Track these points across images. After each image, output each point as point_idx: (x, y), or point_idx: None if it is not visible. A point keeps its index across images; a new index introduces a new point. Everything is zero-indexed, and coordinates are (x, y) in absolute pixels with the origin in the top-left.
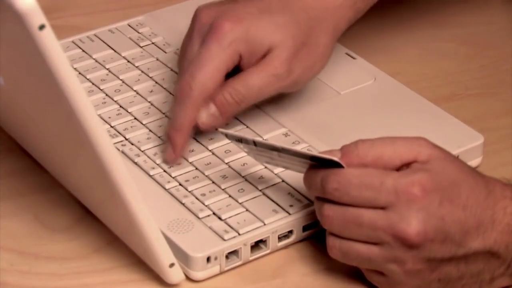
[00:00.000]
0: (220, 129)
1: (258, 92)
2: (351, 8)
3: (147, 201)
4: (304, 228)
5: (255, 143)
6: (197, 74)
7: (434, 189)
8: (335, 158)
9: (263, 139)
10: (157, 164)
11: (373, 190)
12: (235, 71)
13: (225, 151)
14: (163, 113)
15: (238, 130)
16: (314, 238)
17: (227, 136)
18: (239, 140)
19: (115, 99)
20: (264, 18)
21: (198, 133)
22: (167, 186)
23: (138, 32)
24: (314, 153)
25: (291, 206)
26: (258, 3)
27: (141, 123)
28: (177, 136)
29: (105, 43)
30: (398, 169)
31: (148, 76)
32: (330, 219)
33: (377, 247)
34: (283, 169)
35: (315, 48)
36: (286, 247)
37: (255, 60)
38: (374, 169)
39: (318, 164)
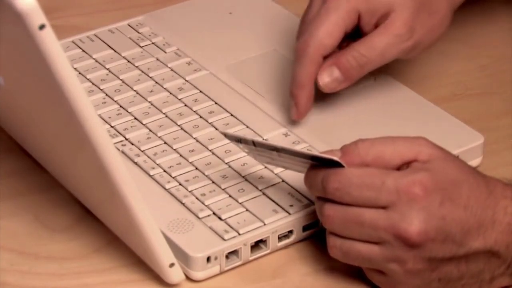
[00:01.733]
0: (220, 130)
1: (381, 55)
2: None
3: (147, 201)
4: (304, 228)
5: (254, 144)
6: (314, 31)
7: (435, 189)
8: (336, 158)
9: (263, 139)
10: (157, 164)
11: (374, 190)
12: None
13: (225, 151)
14: (163, 113)
15: (238, 130)
16: (314, 238)
17: (226, 136)
18: (239, 140)
19: (115, 99)
20: None
21: (198, 132)
22: (167, 186)
23: (138, 32)
24: (315, 153)
25: (291, 206)
26: None
27: (141, 123)
28: (300, 93)
29: (105, 43)
30: (399, 168)
31: (148, 76)
32: (331, 218)
33: (378, 246)
34: (283, 169)
35: (435, 12)
36: (286, 247)
37: (375, 20)
38: (375, 169)
39: (318, 164)
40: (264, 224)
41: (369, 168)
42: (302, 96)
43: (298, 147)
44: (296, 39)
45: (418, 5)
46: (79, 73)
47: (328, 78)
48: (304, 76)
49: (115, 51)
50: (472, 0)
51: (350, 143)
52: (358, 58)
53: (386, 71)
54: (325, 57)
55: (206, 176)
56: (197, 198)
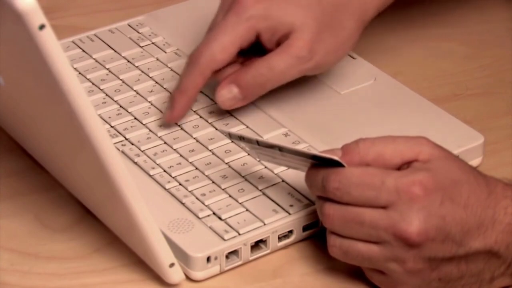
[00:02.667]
0: (222, 129)
1: (281, 75)
2: None
3: (147, 201)
4: (304, 228)
5: (258, 143)
6: (209, 43)
7: (435, 189)
8: (336, 157)
9: (262, 138)
10: (157, 164)
11: (374, 190)
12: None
13: (225, 151)
14: (163, 113)
15: (238, 130)
16: (314, 238)
17: (229, 134)
18: (241, 138)
19: (115, 99)
20: None
21: (198, 132)
22: (167, 186)
23: (138, 32)
24: (315, 152)
25: (291, 206)
26: None
27: (141, 123)
28: (179, 97)
29: (105, 43)
30: (399, 168)
31: (148, 76)
32: (331, 218)
33: (378, 246)
34: (283, 169)
35: (339, 31)
36: (286, 247)
37: (276, 39)
38: (375, 168)
39: (319, 163)
40: (264, 224)
41: (369, 167)
42: (182, 100)
43: (298, 147)
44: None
45: (321, 26)
46: (79, 73)
47: (227, 95)
48: (188, 84)
49: (115, 51)
50: (472, 0)
51: (351, 142)
52: (257, 78)
53: (386, 71)
54: (216, 71)
55: (206, 176)
56: (197, 198)
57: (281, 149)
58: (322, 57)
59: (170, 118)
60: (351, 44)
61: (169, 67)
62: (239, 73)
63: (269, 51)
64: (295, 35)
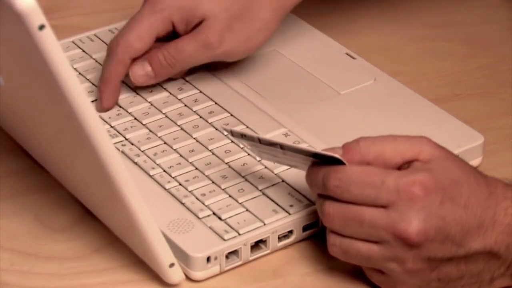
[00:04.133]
0: (225, 127)
1: (188, 58)
2: None
3: (147, 201)
4: (304, 228)
5: (259, 140)
6: (126, 34)
7: (435, 189)
8: (337, 155)
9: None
10: (157, 164)
11: (374, 189)
12: None
13: (225, 151)
14: (163, 113)
15: (239, 130)
16: (314, 238)
17: (232, 133)
18: (243, 136)
19: None
20: None
21: (198, 132)
22: (167, 186)
23: None
24: (316, 150)
25: (291, 206)
26: None
27: (141, 123)
28: (105, 88)
29: (105, 43)
30: (400, 167)
31: None
32: (331, 216)
33: (377, 245)
34: (283, 169)
35: (252, 22)
36: (286, 247)
37: (190, 30)
38: (376, 168)
39: (320, 161)
40: (264, 224)
41: (370, 166)
42: (107, 90)
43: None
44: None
45: (232, 16)
46: (79, 73)
47: (140, 72)
48: (110, 73)
49: None
50: (473, 0)
51: (352, 141)
52: (167, 58)
53: (386, 71)
54: (135, 59)
55: (206, 176)
56: (197, 198)
57: (282, 147)
58: (231, 46)
59: (100, 109)
60: (267, 34)
61: None
62: (152, 52)
63: None
64: (206, 23)
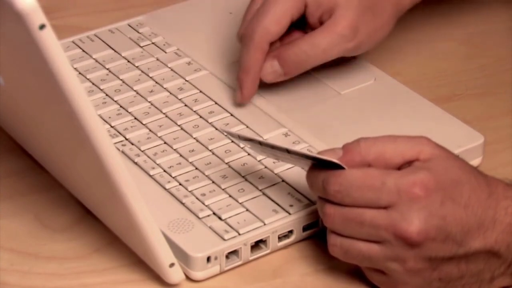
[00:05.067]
0: (224, 129)
1: (322, 53)
2: None
3: (147, 201)
4: (304, 228)
5: (260, 143)
6: (261, 18)
7: (436, 189)
8: (336, 160)
9: (263, 138)
10: (157, 164)
11: (374, 191)
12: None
13: (225, 151)
14: (163, 113)
15: (238, 130)
16: (314, 238)
17: (231, 135)
18: (239, 137)
19: (115, 99)
20: None
21: (198, 132)
22: (167, 186)
23: (138, 32)
24: (315, 154)
25: (291, 206)
26: None
27: (141, 123)
28: (245, 78)
29: (105, 43)
30: (400, 167)
31: (148, 76)
32: (332, 217)
33: (378, 245)
34: (283, 169)
35: (379, 14)
36: (286, 247)
37: (319, 13)
38: (376, 169)
39: (320, 164)
40: (264, 224)
41: (369, 168)
42: (247, 80)
43: (298, 147)
44: (242, 23)
45: (363, 6)
46: (79, 73)
47: (269, 69)
48: (250, 61)
49: (115, 51)
50: (472, 0)
51: (352, 142)
52: (299, 55)
53: (386, 71)
54: (271, 44)
55: (206, 176)
56: (197, 198)
57: (282, 150)
58: (364, 37)
59: (241, 99)
60: (387, 30)
61: (169, 67)
62: (282, 48)
63: (310, 26)
64: (339, 13)
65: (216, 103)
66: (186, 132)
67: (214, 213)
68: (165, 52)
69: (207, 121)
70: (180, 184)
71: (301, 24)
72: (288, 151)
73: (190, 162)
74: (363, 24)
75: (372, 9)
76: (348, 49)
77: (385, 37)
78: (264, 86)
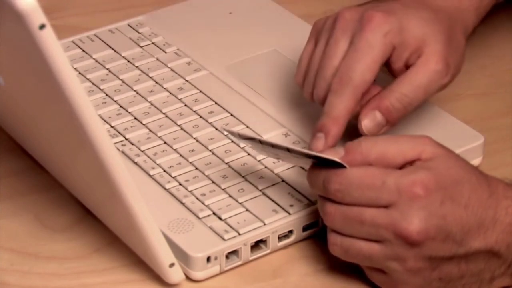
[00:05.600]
0: (224, 128)
1: (425, 93)
2: (475, 12)
3: (147, 201)
4: (304, 228)
5: (260, 142)
6: (355, 65)
7: (436, 188)
8: (337, 159)
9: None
10: (157, 164)
11: (375, 190)
12: None
13: (225, 151)
14: (163, 113)
15: (238, 130)
16: (314, 238)
17: (231, 133)
18: (240, 136)
19: (115, 99)
20: (411, 12)
21: (198, 132)
22: (167, 186)
23: (138, 32)
24: (316, 153)
25: (291, 206)
26: (398, 2)
27: (141, 123)
28: (333, 126)
29: (105, 43)
30: (402, 167)
31: (148, 76)
32: (332, 216)
33: (378, 244)
34: (283, 169)
35: (458, 44)
36: (286, 247)
37: (407, 55)
38: (376, 169)
39: (320, 163)
40: (264, 224)
41: (370, 168)
42: (336, 128)
43: (298, 147)
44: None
45: (447, 38)
46: (79, 73)
47: (371, 123)
48: (342, 109)
49: (115, 51)
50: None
51: (354, 141)
52: (401, 100)
53: (386, 71)
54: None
55: (206, 176)
56: (197, 198)
57: (282, 148)
58: (455, 70)
59: (322, 148)
60: (464, 56)
61: (169, 67)
62: (380, 97)
63: (392, 70)
64: (429, 50)
65: (216, 103)
66: (186, 132)
67: (214, 213)
68: (165, 52)
69: (207, 121)
70: (180, 184)
71: None
72: (288, 149)
73: (190, 162)
74: (451, 56)
75: (452, 41)
76: (444, 84)
77: (463, 63)
78: (265, 86)
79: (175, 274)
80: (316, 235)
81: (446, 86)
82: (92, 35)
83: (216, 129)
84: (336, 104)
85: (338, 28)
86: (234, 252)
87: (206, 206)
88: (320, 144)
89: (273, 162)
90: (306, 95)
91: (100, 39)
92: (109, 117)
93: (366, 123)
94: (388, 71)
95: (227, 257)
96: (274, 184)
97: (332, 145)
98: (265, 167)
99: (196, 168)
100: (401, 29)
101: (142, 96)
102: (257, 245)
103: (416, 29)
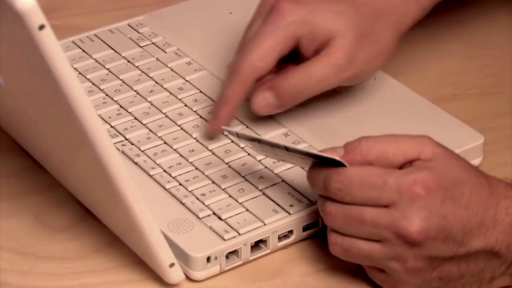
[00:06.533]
0: (223, 127)
1: (319, 83)
2: (416, 4)
3: (147, 201)
4: (304, 228)
5: (259, 141)
6: (249, 53)
7: (437, 188)
8: (338, 158)
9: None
10: (157, 164)
11: (375, 190)
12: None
13: (225, 151)
14: (163, 113)
15: (238, 130)
16: (314, 238)
17: (230, 133)
18: (239, 135)
19: (115, 99)
20: (326, 4)
21: (198, 132)
22: (167, 186)
23: (138, 32)
24: (317, 152)
25: (291, 206)
26: None
27: (141, 123)
28: (222, 108)
29: (105, 43)
30: (401, 166)
31: (148, 76)
32: (333, 216)
33: (379, 244)
34: (283, 169)
35: (377, 40)
36: (286, 247)
37: (315, 47)
38: (377, 168)
39: (321, 162)
40: (264, 224)
41: (371, 167)
42: (224, 111)
43: (298, 147)
44: (235, 55)
45: (360, 34)
46: (79, 73)
47: (262, 102)
48: (231, 94)
49: (115, 51)
50: (473, 0)
51: (353, 141)
52: (293, 86)
53: (386, 71)
54: (258, 79)
55: (206, 176)
56: (197, 198)
57: (281, 147)
58: (361, 67)
59: (213, 130)
60: (388, 54)
61: (169, 67)
62: (276, 80)
63: (306, 59)
64: (335, 43)
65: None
66: (186, 132)
67: (214, 213)
68: (165, 52)
69: (207, 121)
70: (180, 184)
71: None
72: (288, 149)
73: (190, 162)
74: (360, 53)
75: (369, 37)
76: (344, 78)
77: (388, 60)
78: None
79: (175, 274)
80: (316, 235)
81: (351, 81)
82: (92, 35)
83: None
84: (226, 89)
85: (257, 12)
86: (234, 252)
87: (206, 206)
88: (209, 126)
89: (273, 162)
90: None
91: (100, 39)
92: (109, 117)
93: (258, 101)
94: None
95: (227, 257)
96: (274, 184)
97: (219, 129)
98: (265, 167)
99: (196, 168)
100: (307, 21)
101: (142, 96)
102: (257, 245)
103: (324, 23)
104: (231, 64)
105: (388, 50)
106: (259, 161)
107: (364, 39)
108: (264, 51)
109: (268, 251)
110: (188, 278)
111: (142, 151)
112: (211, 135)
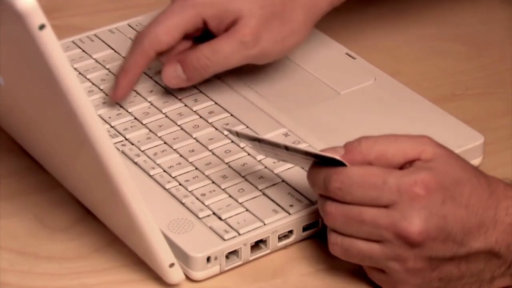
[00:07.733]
0: (223, 126)
1: (224, 59)
2: None
3: (147, 201)
4: (304, 228)
5: (259, 141)
6: (154, 26)
7: (437, 188)
8: (338, 157)
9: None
10: (157, 164)
11: (376, 189)
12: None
13: (225, 151)
14: (163, 113)
15: (238, 130)
16: (314, 238)
17: (230, 132)
18: (242, 135)
19: None
20: None
21: (198, 132)
22: (167, 186)
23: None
24: (317, 151)
25: (291, 206)
26: None
27: (141, 123)
28: (122, 76)
29: (105, 43)
30: (401, 166)
31: (148, 76)
32: (333, 216)
33: (379, 244)
34: (283, 169)
35: (287, 22)
36: (286, 247)
37: (224, 27)
38: (377, 168)
39: (321, 162)
40: (264, 224)
41: (371, 167)
42: (124, 80)
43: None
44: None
45: (268, 14)
46: (79, 73)
47: (172, 74)
48: (131, 63)
49: (115, 51)
50: (473, 0)
51: (353, 141)
52: (201, 60)
53: (386, 71)
54: (160, 53)
55: (206, 176)
56: (197, 198)
57: (282, 147)
58: (267, 45)
59: (113, 97)
60: (300, 37)
61: None
62: (184, 54)
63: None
64: (242, 21)
65: (216, 103)
66: (186, 132)
67: (214, 213)
68: None
69: (207, 121)
70: (180, 184)
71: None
72: (287, 148)
73: (190, 162)
74: (267, 32)
75: (279, 16)
76: (251, 56)
77: (299, 43)
78: (265, 86)
79: (175, 274)
80: (316, 235)
81: (259, 59)
82: (92, 35)
83: (216, 129)
84: (128, 58)
85: None
86: (234, 252)
87: (206, 206)
88: (111, 92)
89: (273, 162)
90: None
91: (100, 39)
92: (109, 117)
93: (168, 72)
94: None
95: (227, 257)
96: (274, 184)
97: (121, 94)
98: (265, 167)
99: (196, 168)
100: (213, 3)
101: (142, 96)
102: (257, 245)
103: (231, 4)
104: (136, 35)
105: (299, 33)
106: (259, 161)
107: (273, 20)
108: (168, 27)
109: (268, 251)
110: (188, 278)
111: (142, 151)
112: (111, 103)
